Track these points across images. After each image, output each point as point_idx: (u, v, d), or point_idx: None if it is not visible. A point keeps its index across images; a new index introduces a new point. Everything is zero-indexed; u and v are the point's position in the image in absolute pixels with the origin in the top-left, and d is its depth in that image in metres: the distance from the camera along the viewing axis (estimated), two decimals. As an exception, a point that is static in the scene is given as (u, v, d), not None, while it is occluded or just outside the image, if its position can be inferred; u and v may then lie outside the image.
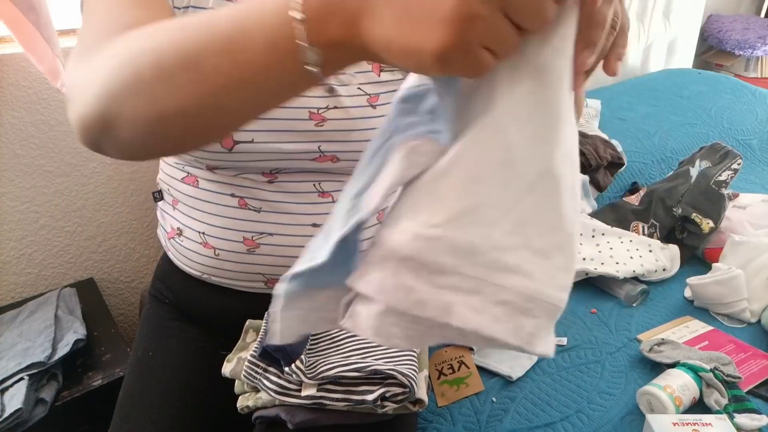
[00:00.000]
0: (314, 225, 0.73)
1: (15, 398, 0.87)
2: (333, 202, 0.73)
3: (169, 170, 0.76)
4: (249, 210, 0.72)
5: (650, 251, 1.16)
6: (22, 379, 0.90)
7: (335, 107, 0.68)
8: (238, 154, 0.68)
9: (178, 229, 0.78)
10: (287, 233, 0.72)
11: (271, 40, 0.33)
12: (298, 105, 0.67)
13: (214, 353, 0.78)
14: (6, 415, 0.84)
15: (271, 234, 0.72)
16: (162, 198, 0.83)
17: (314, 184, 0.72)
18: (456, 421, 0.83)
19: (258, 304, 0.75)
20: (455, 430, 0.81)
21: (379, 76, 0.71)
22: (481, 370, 0.91)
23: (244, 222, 0.72)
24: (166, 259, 0.85)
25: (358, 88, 0.69)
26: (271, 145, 0.67)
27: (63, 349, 0.97)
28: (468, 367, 0.90)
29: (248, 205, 0.72)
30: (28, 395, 0.88)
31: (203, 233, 0.74)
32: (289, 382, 0.64)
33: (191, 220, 0.75)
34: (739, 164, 1.30)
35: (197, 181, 0.73)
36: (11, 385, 0.89)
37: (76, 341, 0.99)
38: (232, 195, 0.72)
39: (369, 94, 0.70)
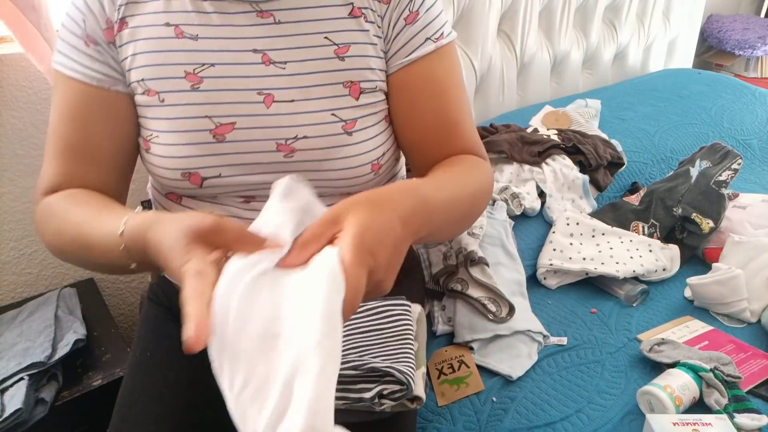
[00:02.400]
0: None
1: (15, 398, 0.87)
2: None
3: (155, 184, 0.76)
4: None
5: (650, 251, 1.16)
6: (22, 379, 0.90)
7: (305, 137, 0.65)
8: (209, 188, 0.67)
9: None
10: None
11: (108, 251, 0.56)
12: (264, 137, 0.65)
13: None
14: (6, 415, 0.84)
15: None
16: (150, 207, 0.81)
17: None
18: (456, 420, 0.83)
19: None
20: (455, 430, 0.81)
21: (357, 99, 0.67)
22: (482, 369, 0.91)
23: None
24: None
25: (333, 114, 0.66)
26: (239, 177, 0.66)
27: (63, 349, 0.97)
28: (468, 367, 0.90)
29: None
30: (28, 395, 0.88)
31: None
32: None
33: None
34: (739, 164, 1.30)
35: (180, 198, 0.72)
36: (11, 385, 0.89)
37: (76, 341, 0.99)
38: (212, 213, 0.70)
39: (345, 120, 0.66)
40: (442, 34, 0.70)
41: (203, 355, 0.79)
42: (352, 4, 0.66)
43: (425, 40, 0.68)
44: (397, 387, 0.61)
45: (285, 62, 0.65)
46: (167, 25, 0.65)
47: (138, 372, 0.76)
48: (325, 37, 0.66)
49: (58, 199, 0.65)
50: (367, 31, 0.67)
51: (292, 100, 0.65)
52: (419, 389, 0.63)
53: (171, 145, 0.66)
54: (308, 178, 0.66)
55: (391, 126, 0.73)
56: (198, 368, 0.77)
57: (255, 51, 0.65)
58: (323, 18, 0.66)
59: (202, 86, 0.65)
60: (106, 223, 0.56)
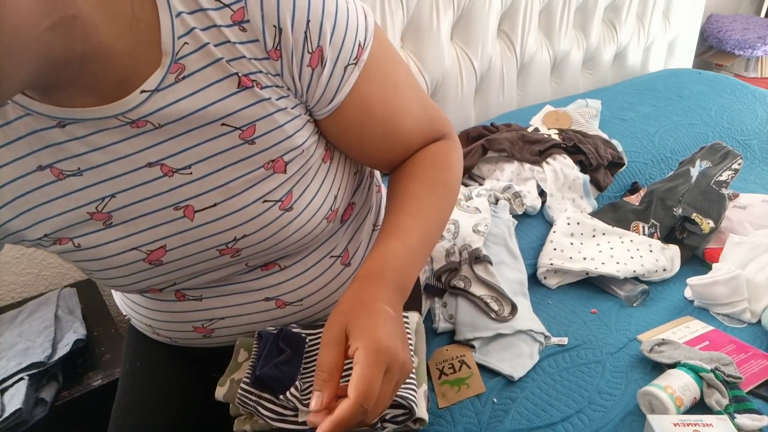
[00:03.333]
0: (267, 299, 0.67)
1: (15, 398, 0.87)
2: (280, 270, 0.66)
3: None
4: (190, 301, 0.67)
5: (651, 251, 1.16)
6: (22, 379, 0.90)
7: (244, 236, 0.59)
8: (170, 291, 0.66)
9: (126, 316, 0.76)
10: (238, 313, 0.68)
11: None
12: (202, 248, 0.59)
13: (203, 363, 0.77)
14: (6, 415, 0.84)
15: (221, 318, 0.68)
16: None
17: (249, 268, 0.66)
18: (457, 422, 0.83)
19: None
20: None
21: (285, 173, 0.58)
22: (482, 368, 0.91)
23: (188, 313, 0.68)
24: None
25: (264, 201, 0.58)
26: (195, 280, 0.64)
27: (63, 349, 0.97)
28: (469, 367, 0.90)
29: (187, 297, 0.67)
30: (28, 395, 0.88)
31: (150, 325, 0.72)
32: (285, 408, 0.62)
33: (135, 312, 0.73)
34: (739, 164, 1.30)
35: None
36: (11, 385, 0.89)
37: (76, 341, 0.99)
38: (168, 290, 0.66)
39: (279, 200, 0.58)
40: (360, 47, 0.55)
41: (192, 363, 0.78)
42: (236, 74, 0.51)
43: (345, 70, 0.55)
44: (399, 411, 0.60)
45: (189, 166, 0.55)
46: (40, 168, 0.53)
47: (131, 383, 0.76)
48: (222, 124, 0.53)
49: None
50: (268, 98, 0.53)
51: (215, 204, 0.56)
52: (422, 410, 0.61)
53: (111, 278, 0.61)
54: (263, 260, 0.64)
55: (336, 157, 0.65)
56: (191, 377, 0.77)
57: (150, 165, 0.54)
58: (209, 103, 0.52)
59: (114, 221, 0.57)
60: None
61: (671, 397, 0.78)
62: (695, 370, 0.82)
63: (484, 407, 0.85)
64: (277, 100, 0.54)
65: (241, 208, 0.57)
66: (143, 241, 0.58)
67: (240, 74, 0.51)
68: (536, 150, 1.34)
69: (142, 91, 0.49)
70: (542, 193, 1.29)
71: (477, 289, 0.97)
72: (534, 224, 1.25)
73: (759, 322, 0.99)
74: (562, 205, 1.28)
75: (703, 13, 2.32)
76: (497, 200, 1.20)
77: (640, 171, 1.48)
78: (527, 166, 1.32)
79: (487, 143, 1.34)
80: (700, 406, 0.81)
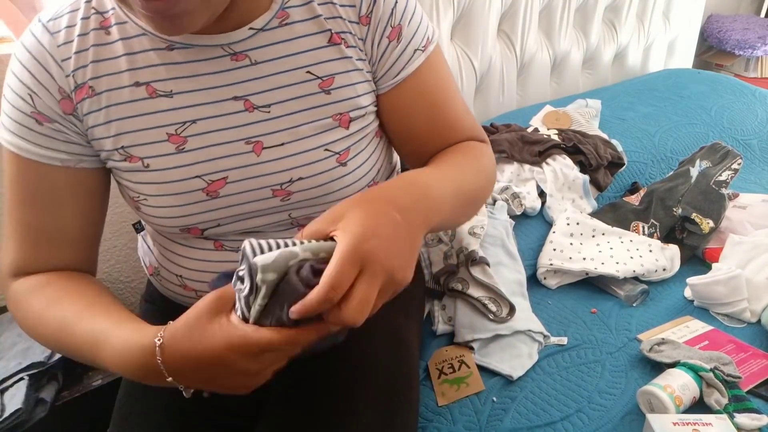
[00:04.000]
0: None
1: (15, 398, 0.87)
2: None
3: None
4: (226, 251, 0.69)
5: (650, 251, 1.16)
6: (22, 379, 0.90)
7: (300, 178, 0.63)
8: (209, 236, 0.66)
9: (156, 269, 0.76)
10: None
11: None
12: (258, 186, 0.63)
13: None
14: (6, 415, 0.84)
15: None
16: (143, 229, 0.80)
17: (292, 224, 0.69)
18: (456, 420, 0.83)
19: None
20: (455, 430, 0.81)
21: (347, 129, 0.64)
22: (482, 369, 0.91)
23: (223, 264, 0.69)
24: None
25: (326, 150, 0.63)
26: (238, 224, 0.65)
27: (63, 349, 0.97)
28: (468, 367, 0.90)
29: (224, 247, 0.68)
30: (28, 395, 0.88)
31: (180, 276, 0.72)
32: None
33: (168, 261, 0.73)
34: (739, 164, 1.30)
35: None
36: (11, 385, 0.90)
37: (76, 341, 0.99)
38: (206, 239, 0.68)
39: (338, 153, 0.64)
40: (428, 39, 0.67)
41: None
42: (330, 30, 0.61)
43: (414, 53, 0.65)
44: None
45: (269, 105, 0.61)
46: (137, 84, 0.59)
47: (133, 383, 0.75)
48: (307, 72, 0.61)
49: (30, 293, 0.61)
50: (350, 57, 0.63)
51: (282, 144, 0.62)
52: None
53: (162, 207, 0.63)
54: (305, 214, 0.66)
55: (383, 139, 0.72)
56: None
57: (235, 98, 0.60)
58: (302, 51, 0.61)
59: (187, 146, 0.60)
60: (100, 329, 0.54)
61: (671, 396, 0.78)
62: (695, 370, 0.83)
63: (483, 406, 0.85)
64: (357, 60, 0.63)
65: (305, 151, 0.62)
66: (208, 170, 0.61)
67: (333, 31, 0.61)
68: (536, 150, 1.34)
69: (250, 28, 0.58)
70: (542, 194, 1.29)
71: (475, 291, 0.97)
72: (534, 224, 1.25)
73: (759, 321, 0.99)
74: (561, 205, 1.28)
75: (703, 13, 2.32)
76: (494, 201, 1.20)
77: (640, 171, 1.48)
78: (527, 166, 1.32)
79: (487, 143, 1.34)
80: (699, 406, 0.81)
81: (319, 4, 0.60)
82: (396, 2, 0.62)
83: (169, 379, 0.49)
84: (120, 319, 0.55)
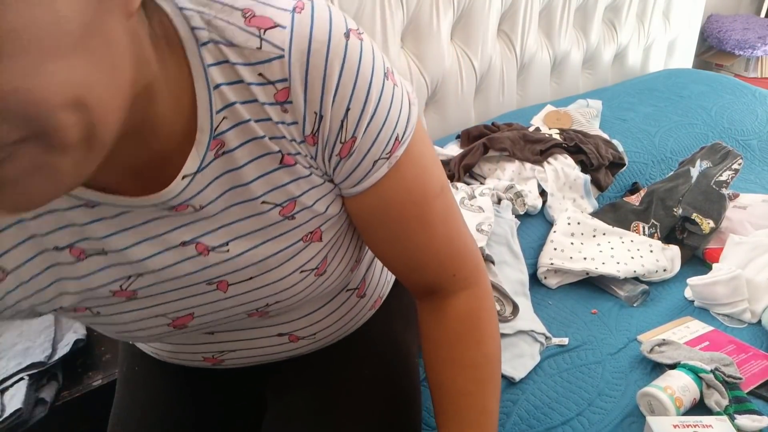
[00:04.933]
0: (280, 334, 0.64)
1: (15, 398, 0.87)
2: (295, 309, 0.63)
3: None
4: (202, 334, 0.64)
5: (651, 251, 1.16)
6: (22, 379, 0.90)
7: (276, 302, 0.58)
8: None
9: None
10: (250, 346, 0.66)
11: None
12: (231, 314, 0.58)
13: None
14: (6, 415, 0.84)
15: (232, 350, 0.66)
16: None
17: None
18: (457, 421, 0.82)
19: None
20: None
21: (321, 241, 0.56)
22: (482, 370, 0.91)
23: (199, 345, 0.65)
24: None
25: (301, 272, 0.56)
26: (212, 337, 0.63)
27: (63, 349, 0.97)
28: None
29: (200, 331, 0.64)
30: (28, 395, 0.88)
31: (157, 354, 0.71)
32: None
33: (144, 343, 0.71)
34: (739, 164, 1.30)
35: None
36: (11, 385, 0.89)
37: (76, 341, 0.99)
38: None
39: (315, 268, 0.57)
40: (397, 140, 0.51)
41: (190, 369, 0.77)
42: (279, 151, 0.49)
43: (373, 164, 0.51)
44: None
45: (226, 243, 0.52)
46: (56, 249, 0.48)
47: (130, 387, 0.75)
48: (263, 202, 0.51)
49: None
50: (307, 176, 0.51)
51: (251, 278, 0.54)
52: None
53: (128, 333, 0.57)
54: (283, 321, 0.63)
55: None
56: (188, 382, 0.76)
57: (184, 244, 0.50)
58: (250, 180, 0.49)
59: (139, 295, 0.53)
60: None
61: (671, 397, 0.78)
62: (695, 371, 0.82)
63: (484, 408, 0.85)
64: (314, 177, 0.51)
65: (277, 281, 0.55)
66: (169, 310, 0.55)
67: (283, 152, 0.49)
68: (537, 149, 1.34)
69: (184, 177, 0.46)
70: (543, 193, 1.29)
71: (478, 290, 0.97)
72: (534, 224, 1.25)
73: (759, 322, 1.00)
74: (562, 204, 1.28)
75: (703, 13, 2.32)
76: (500, 200, 1.20)
77: (641, 171, 1.48)
78: (528, 165, 1.32)
79: (489, 142, 1.34)
80: (699, 407, 0.81)
81: (256, 122, 0.47)
82: (347, 110, 0.47)
83: None
84: None
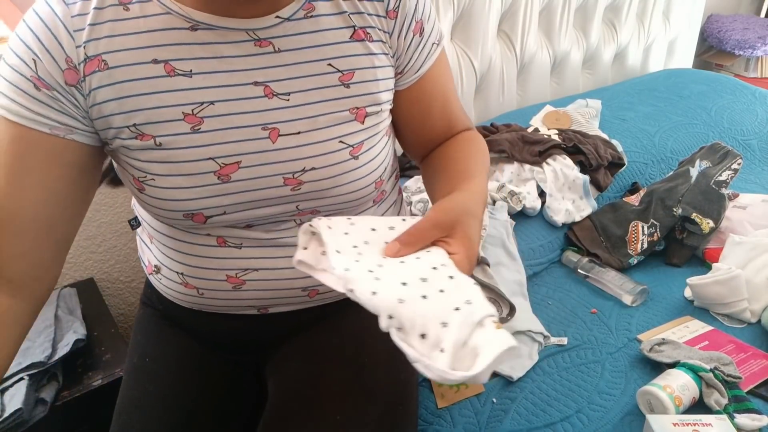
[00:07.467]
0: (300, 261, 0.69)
1: (15, 398, 0.87)
2: None
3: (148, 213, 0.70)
4: (229, 247, 0.67)
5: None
6: (22, 379, 0.90)
7: (313, 168, 0.63)
8: (211, 224, 0.65)
9: (156, 266, 0.74)
10: (273, 266, 0.68)
11: None
12: (271, 173, 0.62)
13: (212, 357, 0.77)
14: (6, 415, 0.84)
15: (256, 269, 0.68)
16: (139, 225, 0.78)
17: (295, 221, 0.68)
18: (456, 422, 0.83)
19: (253, 324, 0.73)
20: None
21: (362, 123, 0.65)
22: (481, 370, 0.91)
23: (224, 260, 0.68)
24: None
25: (340, 141, 0.63)
26: (243, 213, 0.64)
27: (63, 349, 0.97)
28: (468, 367, 0.90)
29: (227, 243, 0.67)
30: (28, 395, 0.88)
31: (182, 273, 0.70)
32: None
33: (168, 259, 0.71)
34: (739, 164, 1.30)
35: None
36: (11, 385, 0.89)
37: (76, 341, 0.99)
38: (208, 234, 0.67)
39: (352, 145, 0.64)
40: (440, 34, 0.71)
41: (203, 361, 0.79)
42: (354, 26, 0.62)
43: (432, 47, 0.69)
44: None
45: (288, 93, 0.61)
46: (155, 62, 0.57)
47: (137, 378, 0.75)
48: (329, 64, 0.62)
49: None
50: (374, 53, 0.64)
51: (298, 132, 0.62)
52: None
53: (170, 189, 0.61)
54: (311, 206, 0.65)
55: (392, 137, 0.74)
56: (199, 373, 0.76)
57: (256, 84, 0.60)
58: (325, 43, 0.62)
59: (203, 127, 0.59)
60: None
61: (670, 396, 0.78)
62: (694, 370, 0.83)
63: (483, 407, 0.85)
64: (381, 55, 0.65)
65: (320, 142, 0.62)
66: (222, 153, 0.60)
67: (357, 27, 0.63)
68: (536, 150, 1.34)
69: (277, 17, 0.59)
70: (542, 194, 1.29)
71: (476, 290, 0.97)
72: (534, 225, 1.25)
73: (759, 322, 1.00)
74: (562, 205, 1.28)
75: (703, 13, 2.32)
76: (494, 201, 1.20)
77: (640, 171, 1.48)
78: (527, 166, 1.32)
79: (488, 144, 1.33)
80: (699, 406, 0.81)
81: (343, 0, 0.62)
82: None
83: None
84: None
